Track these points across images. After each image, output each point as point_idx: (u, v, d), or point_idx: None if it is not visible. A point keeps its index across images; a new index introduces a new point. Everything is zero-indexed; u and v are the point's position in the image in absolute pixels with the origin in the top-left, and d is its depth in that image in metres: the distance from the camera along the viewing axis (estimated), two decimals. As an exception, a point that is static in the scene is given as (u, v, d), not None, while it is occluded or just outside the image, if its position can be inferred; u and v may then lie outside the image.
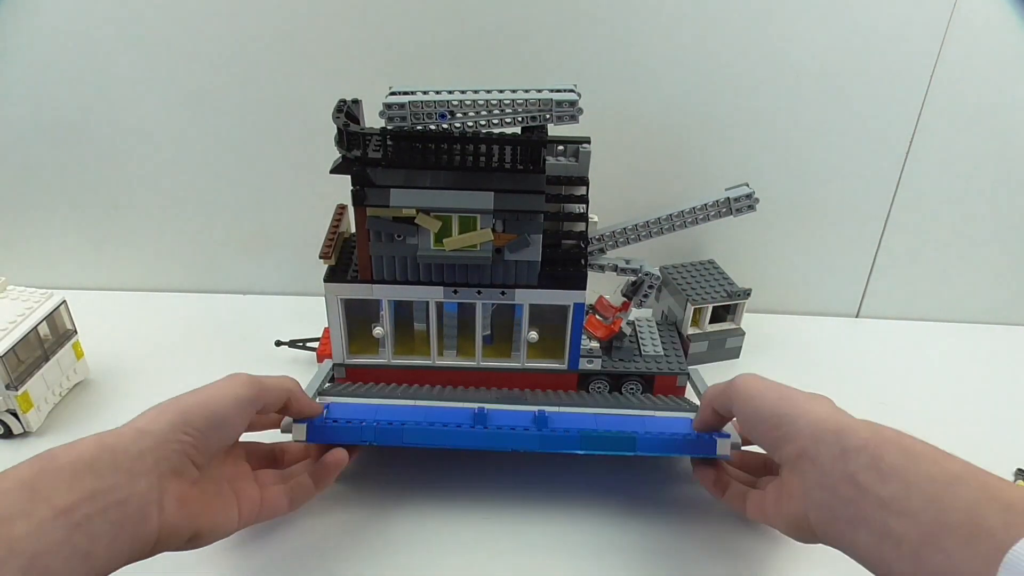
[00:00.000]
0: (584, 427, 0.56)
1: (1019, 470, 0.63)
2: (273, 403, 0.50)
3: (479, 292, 0.62)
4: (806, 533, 0.42)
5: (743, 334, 0.75)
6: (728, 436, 0.55)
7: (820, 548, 0.42)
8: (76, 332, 0.67)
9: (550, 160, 0.61)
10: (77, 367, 0.68)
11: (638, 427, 0.57)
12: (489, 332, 0.67)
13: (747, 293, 0.74)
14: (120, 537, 0.37)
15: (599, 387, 0.68)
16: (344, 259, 0.65)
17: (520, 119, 0.57)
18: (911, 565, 0.34)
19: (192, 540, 0.43)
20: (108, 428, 0.62)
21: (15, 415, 0.62)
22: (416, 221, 0.58)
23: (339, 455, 0.54)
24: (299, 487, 0.52)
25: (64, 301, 0.66)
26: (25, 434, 0.63)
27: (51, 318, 0.64)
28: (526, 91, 0.56)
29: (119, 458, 0.38)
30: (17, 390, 0.61)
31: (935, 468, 0.35)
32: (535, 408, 0.59)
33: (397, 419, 0.56)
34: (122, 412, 0.65)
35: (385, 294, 0.62)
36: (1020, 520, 0.31)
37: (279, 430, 0.54)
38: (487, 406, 0.58)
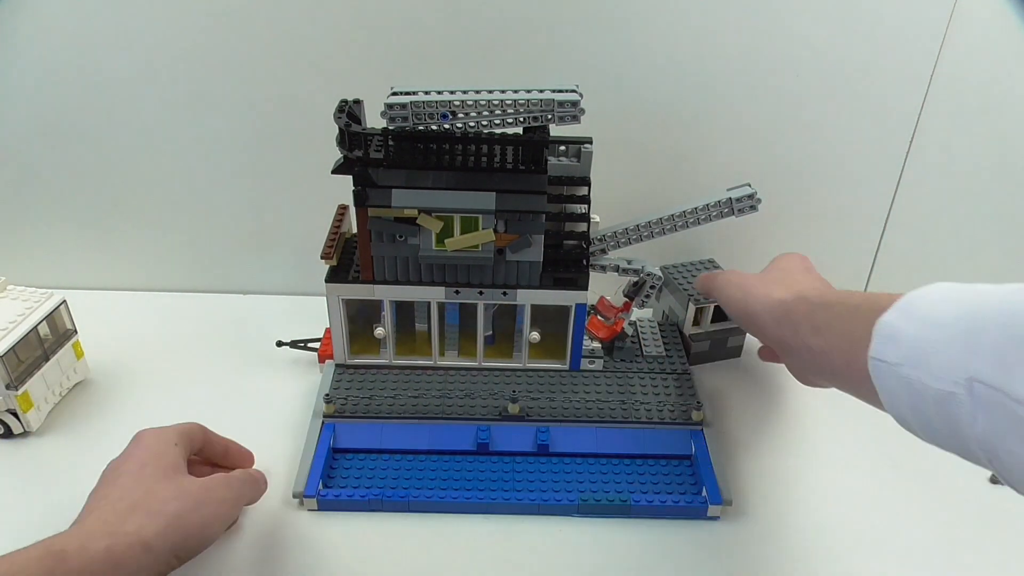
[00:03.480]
0: (585, 450, 0.61)
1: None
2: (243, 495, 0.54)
3: (481, 292, 0.62)
4: (816, 385, 0.55)
5: (744, 332, 0.75)
6: (720, 502, 0.57)
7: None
8: (76, 332, 0.67)
9: (552, 160, 0.61)
10: (77, 367, 0.68)
11: (635, 459, 0.61)
12: (491, 332, 0.67)
13: (748, 292, 0.74)
14: None
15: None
16: (345, 259, 0.65)
17: (522, 119, 0.57)
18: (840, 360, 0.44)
19: None
20: (108, 429, 0.63)
21: (15, 415, 0.61)
22: (418, 221, 0.58)
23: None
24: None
25: (64, 301, 0.66)
26: (25, 434, 0.63)
27: (51, 318, 0.64)
28: (528, 91, 0.56)
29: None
30: (17, 390, 0.60)
31: (843, 308, 0.45)
32: (535, 425, 0.62)
33: (402, 474, 0.59)
34: (122, 412, 0.66)
35: (387, 294, 0.62)
36: (884, 305, 0.41)
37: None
38: (490, 423, 0.62)
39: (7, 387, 0.60)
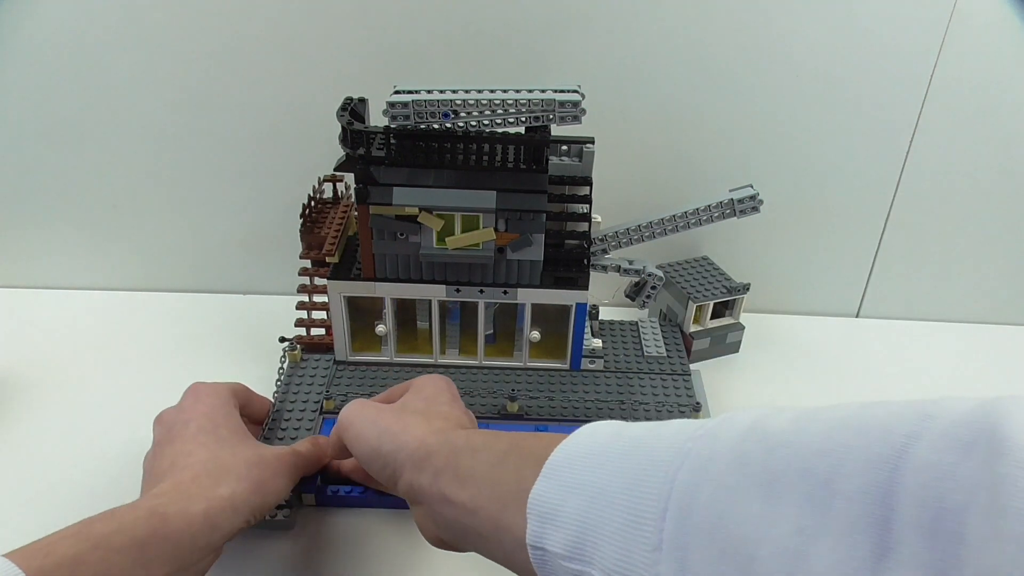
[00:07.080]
0: None
1: None
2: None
3: (481, 291, 0.62)
4: (452, 548, 0.42)
5: (743, 328, 0.76)
6: None
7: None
8: None
9: (554, 160, 0.61)
10: None
11: None
12: (491, 331, 0.67)
13: (746, 288, 0.74)
14: None
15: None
16: (348, 257, 0.65)
17: (524, 119, 0.57)
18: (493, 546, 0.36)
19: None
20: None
21: None
22: (419, 220, 0.58)
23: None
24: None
25: None
26: None
27: None
28: (530, 91, 0.57)
29: (212, 537, 0.42)
30: None
31: (491, 455, 0.37)
32: (534, 424, 0.61)
33: None
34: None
35: (388, 292, 0.62)
36: (534, 468, 0.33)
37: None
38: (489, 421, 0.61)
39: None
